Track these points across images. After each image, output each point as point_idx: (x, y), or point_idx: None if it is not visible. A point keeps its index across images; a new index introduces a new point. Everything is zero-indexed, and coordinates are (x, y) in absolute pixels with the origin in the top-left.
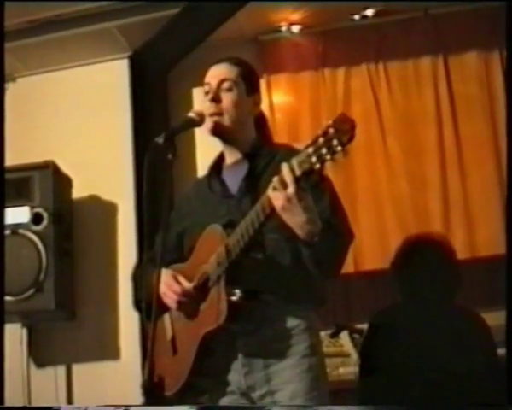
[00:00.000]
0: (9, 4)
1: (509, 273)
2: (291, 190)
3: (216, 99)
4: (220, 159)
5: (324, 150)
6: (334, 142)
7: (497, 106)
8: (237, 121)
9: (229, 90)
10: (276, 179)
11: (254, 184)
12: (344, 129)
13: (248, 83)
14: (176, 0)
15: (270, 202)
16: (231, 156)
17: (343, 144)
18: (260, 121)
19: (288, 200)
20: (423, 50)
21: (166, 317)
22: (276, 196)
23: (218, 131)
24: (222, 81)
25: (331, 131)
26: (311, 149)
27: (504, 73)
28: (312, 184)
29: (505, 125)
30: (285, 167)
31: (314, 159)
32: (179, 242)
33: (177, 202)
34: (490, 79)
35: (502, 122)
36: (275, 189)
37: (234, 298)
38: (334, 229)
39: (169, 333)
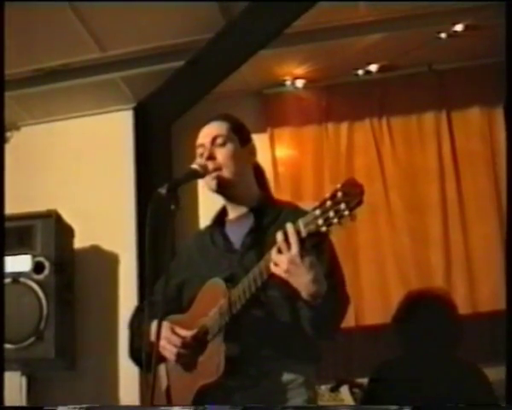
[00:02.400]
0: (14, 52)
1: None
2: (294, 251)
3: (211, 156)
4: (223, 213)
5: (332, 213)
6: (342, 206)
7: (499, 162)
8: (236, 173)
9: (223, 145)
10: (280, 240)
11: (258, 240)
12: (352, 193)
13: (240, 135)
14: None
15: (273, 263)
16: (234, 211)
17: (351, 209)
18: (258, 174)
19: (292, 262)
20: (427, 106)
21: (162, 367)
22: (281, 260)
23: (221, 186)
24: (215, 138)
25: (339, 194)
26: (318, 212)
27: (507, 129)
28: (312, 245)
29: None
30: (290, 228)
31: (321, 221)
32: (178, 293)
33: (178, 253)
34: (493, 136)
35: (504, 178)
36: (279, 251)
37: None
38: (335, 291)
39: (164, 383)
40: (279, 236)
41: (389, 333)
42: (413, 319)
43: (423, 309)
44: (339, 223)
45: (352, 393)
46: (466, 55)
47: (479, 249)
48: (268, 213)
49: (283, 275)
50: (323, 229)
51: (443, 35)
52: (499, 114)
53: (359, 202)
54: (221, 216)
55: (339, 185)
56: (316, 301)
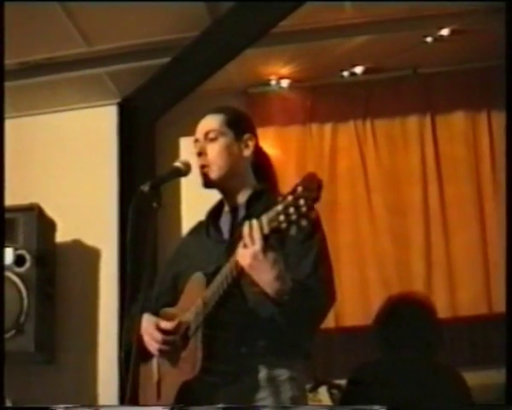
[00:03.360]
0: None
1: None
2: (257, 247)
3: (201, 152)
4: (220, 205)
5: (292, 209)
6: (301, 201)
7: (483, 167)
8: (226, 169)
9: (214, 140)
10: (245, 235)
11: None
12: (311, 187)
13: (235, 127)
14: None
15: (239, 257)
16: (229, 203)
17: (308, 206)
18: (263, 169)
19: (254, 257)
20: (411, 109)
21: (154, 361)
22: (244, 254)
23: (209, 182)
24: (207, 133)
25: (299, 189)
26: (280, 207)
27: (490, 134)
28: (301, 239)
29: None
30: (255, 224)
31: (282, 217)
32: (174, 285)
33: (178, 244)
34: (477, 141)
35: (487, 183)
36: (245, 246)
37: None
38: (311, 290)
39: (155, 377)
40: (245, 230)
41: (369, 335)
42: (392, 323)
43: (402, 313)
44: (297, 222)
45: (331, 394)
46: (451, 60)
47: (460, 254)
48: (260, 205)
49: (247, 269)
50: (284, 226)
51: (429, 39)
52: (483, 120)
53: (317, 198)
54: (218, 208)
55: (299, 180)
56: (281, 297)
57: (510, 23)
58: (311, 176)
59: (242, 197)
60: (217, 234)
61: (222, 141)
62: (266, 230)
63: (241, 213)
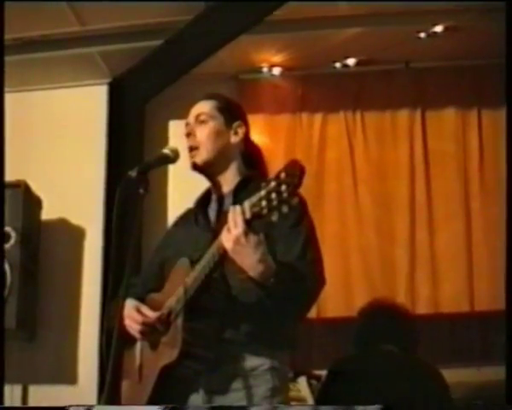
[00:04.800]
0: None
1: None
2: (239, 231)
3: (190, 133)
4: (208, 193)
5: (274, 195)
6: (283, 187)
7: (471, 164)
8: (215, 153)
9: (204, 122)
10: (230, 219)
11: None
12: (293, 173)
13: (226, 113)
14: None
15: (223, 240)
16: (217, 191)
17: (289, 192)
18: (253, 157)
19: (237, 241)
20: (402, 103)
21: (138, 345)
22: (227, 238)
23: (195, 165)
24: (198, 116)
25: (282, 175)
26: (263, 192)
27: (480, 131)
28: (290, 225)
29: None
30: (237, 208)
31: (264, 203)
32: (160, 271)
33: (166, 231)
34: (466, 137)
35: (475, 180)
36: (228, 230)
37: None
38: (299, 272)
39: (137, 361)
40: (230, 215)
41: (350, 327)
42: (367, 319)
43: (378, 309)
44: (278, 208)
45: (310, 384)
46: (444, 56)
47: (444, 250)
48: (249, 191)
49: (230, 253)
50: (265, 212)
51: (422, 35)
52: (473, 117)
53: (299, 184)
54: (206, 196)
55: (282, 166)
56: (267, 280)
57: (510, 23)
58: (294, 163)
59: (230, 185)
60: (205, 222)
61: (211, 124)
62: (248, 215)
63: (229, 200)
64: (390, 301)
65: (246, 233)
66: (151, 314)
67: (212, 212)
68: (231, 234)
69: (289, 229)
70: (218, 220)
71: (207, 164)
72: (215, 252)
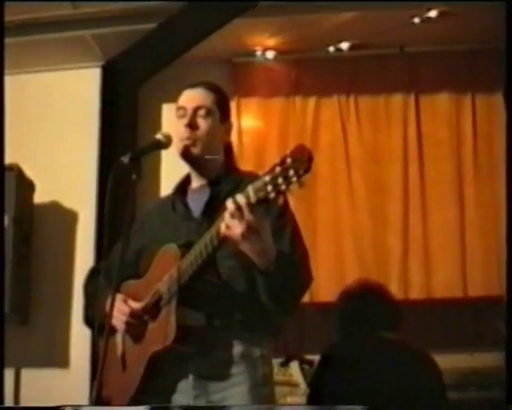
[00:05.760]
0: None
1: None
2: (250, 217)
3: (192, 125)
4: (186, 181)
5: (280, 180)
6: (291, 172)
7: (464, 149)
8: (209, 148)
9: (205, 117)
10: (232, 206)
11: (216, 208)
12: (301, 160)
13: (222, 110)
14: None
15: (225, 227)
16: (198, 180)
17: (299, 175)
18: (227, 147)
19: (248, 228)
20: (396, 88)
21: (119, 334)
22: (232, 224)
23: (188, 155)
24: (198, 108)
25: (288, 161)
26: (267, 178)
27: (474, 116)
28: (274, 217)
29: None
30: (240, 195)
31: (270, 187)
32: (136, 258)
33: (139, 219)
34: (460, 122)
35: (468, 165)
36: (233, 216)
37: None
38: (293, 264)
39: (119, 350)
40: (229, 202)
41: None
42: (355, 304)
43: (364, 294)
44: (287, 190)
45: (302, 369)
46: (438, 40)
47: (437, 235)
48: (228, 183)
49: (234, 239)
50: (272, 195)
51: (416, 19)
52: (467, 102)
53: (308, 169)
54: (184, 184)
55: (288, 152)
56: (268, 268)
57: (511, 23)
58: (301, 148)
59: (212, 175)
60: (184, 210)
61: (210, 120)
62: (253, 199)
63: (210, 190)
64: (381, 285)
65: (249, 219)
66: (138, 306)
67: (193, 201)
68: (241, 221)
69: (274, 222)
70: (204, 211)
71: (199, 157)
72: (213, 237)
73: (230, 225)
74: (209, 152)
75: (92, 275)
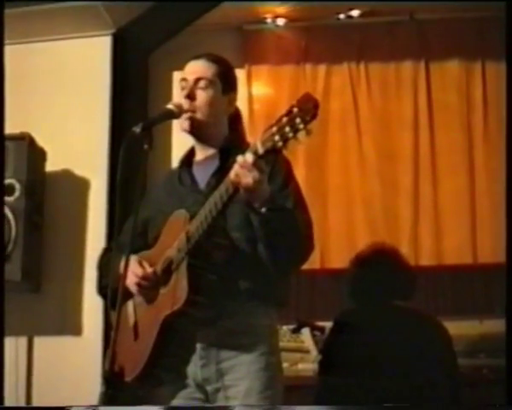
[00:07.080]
0: None
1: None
2: (249, 159)
3: (191, 96)
4: (191, 154)
5: (287, 128)
6: (297, 120)
7: (474, 116)
8: (210, 119)
9: (205, 88)
10: (241, 159)
11: (222, 181)
12: (307, 108)
13: (225, 81)
14: None
15: (233, 180)
16: (202, 152)
17: (305, 122)
18: (236, 119)
19: (244, 166)
20: (406, 55)
21: (130, 303)
22: (244, 174)
23: (193, 128)
24: (198, 79)
25: (295, 110)
26: (274, 129)
27: (484, 83)
28: (277, 187)
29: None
30: (248, 151)
31: (277, 137)
32: (144, 229)
33: (146, 192)
34: (470, 89)
35: (478, 132)
36: (241, 166)
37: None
38: (294, 219)
39: (131, 319)
40: (239, 157)
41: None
42: (362, 272)
43: (371, 262)
44: (294, 137)
45: (313, 335)
46: (448, 7)
47: (447, 202)
48: (234, 154)
49: (243, 187)
50: (280, 144)
51: None
52: (477, 69)
53: (314, 116)
54: (189, 157)
55: (294, 102)
56: (263, 205)
57: (511, 23)
58: (307, 96)
59: (216, 147)
60: (191, 182)
61: (211, 92)
62: (261, 151)
63: (216, 162)
64: (393, 249)
65: (256, 162)
66: (151, 269)
67: (198, 173)
68: (250, 171)
69: (277, 193)
70: (209, 183)
71: (199, 129)
72: (223, 193)
73: (240, 174)
74: (210, 122)
75: (105, 253)
